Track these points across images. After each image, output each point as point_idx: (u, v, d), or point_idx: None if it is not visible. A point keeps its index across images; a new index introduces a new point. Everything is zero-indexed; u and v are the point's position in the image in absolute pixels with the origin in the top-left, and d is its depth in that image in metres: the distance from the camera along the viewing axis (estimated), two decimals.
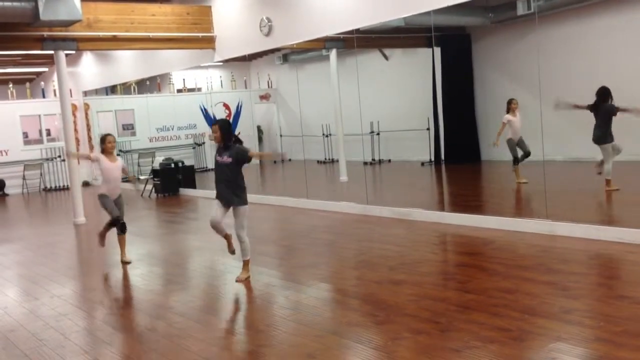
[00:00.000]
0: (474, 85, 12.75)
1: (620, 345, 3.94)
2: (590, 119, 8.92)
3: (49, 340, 4.97)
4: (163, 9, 12.26)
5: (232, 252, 6.56)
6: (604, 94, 8.72)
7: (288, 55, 15.37)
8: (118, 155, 8.11)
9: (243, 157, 6.23)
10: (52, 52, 11.27)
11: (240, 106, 17.09)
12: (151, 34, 11.99)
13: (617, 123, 8.79)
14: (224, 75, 18.13)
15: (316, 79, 14.53)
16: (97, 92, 19.02)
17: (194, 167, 15.73)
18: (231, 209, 6.27)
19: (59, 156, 17.66)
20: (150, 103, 18.13)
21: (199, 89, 18.20)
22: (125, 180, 8.48)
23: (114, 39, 11.82)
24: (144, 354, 4.55)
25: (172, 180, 14.43)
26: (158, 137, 18.22)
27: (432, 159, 13.35)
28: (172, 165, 14.53)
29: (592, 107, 8.79)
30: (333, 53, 12.43)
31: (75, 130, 17.21)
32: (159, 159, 14.94)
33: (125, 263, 7.50)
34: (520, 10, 9.38)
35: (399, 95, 14.60)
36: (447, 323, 4.56)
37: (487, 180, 12.37)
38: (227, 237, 6.52)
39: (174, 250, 8.39)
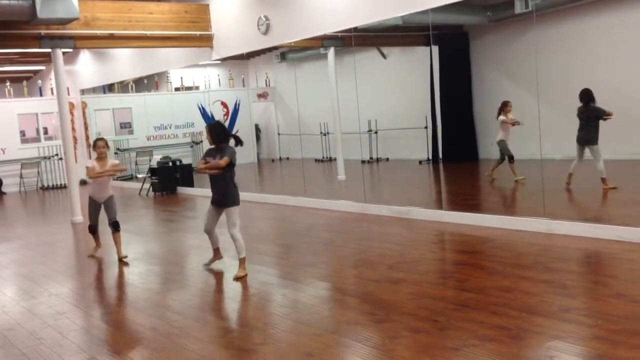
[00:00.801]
0: (472, 84, 12.75)
1: (618, 343, 3.94)
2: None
3: (47, 338, 4.96)
4: (161, 7, 12.24)
5: (208, 264, 6.92)
6: (589, 95, 8.81)
7: (286, 53, 15.35)
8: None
9: (223, 155, 6.32)
10: (49, 50, 11.24)
11: (238, 105, 17.05)
12: (149, 32, 11.97)
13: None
14: (222, 74, 18.10)
15: (314, 78, 14.52)
16: (94, 90, 18.99)
17: (192, 165, 15.70)
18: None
19: (56, 154, 17.63)
20: (148, 101, 18.09)
21: (197, 88, 18.16)
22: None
23: (112, 37, 11.80)
24: (142, 353, 4.54)
25: (169, 178, 14.41)
26: (156, 136, 18.19)
27: (430, 157, 13.35)
28: (170, 164, 14.51)
29: (578, 110, 8.88)
30: (331, 51, 12.41)
31: (73, 128, 17.18)
32: (157, 157, 14.92)
33: (122, 259, 7.52)
34: (518, 8, 9.36)
35: (397, 94, 14.60)
36: (446, 322, 4.56)
37: (485, 179, 12.36)
38: (215, 251, 6.86)
39: (171, 249, 8.39)
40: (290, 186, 12.49)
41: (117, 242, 7.65)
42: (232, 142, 6.59)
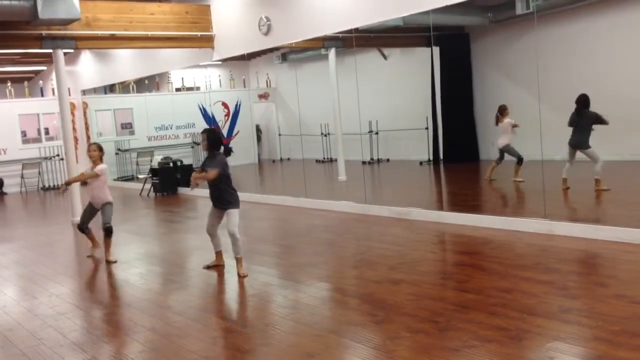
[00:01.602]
0: (473, 85, 12.75)
1: (618, 344, 3.95)
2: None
3: (48, 339, 4.97)
4: (162, 8, 12.25)
5: (208, 266, 6.92)
6: (586, 101, 8.86)
7: (287, 54, 15.37)
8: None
9: (210, 165, 6.44)
10: (50, 50, 11.25)
11: (239, 105, 17.06)
12: (150, 33, 11.98)
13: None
14: (223, 75, 18.12)
15: (315, 78, 14.52)
16: (95, 91, 19.00)
17: (193, 166, 15.71)
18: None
19: (57, 155, 17.64)
20: (149, 102, 18.12)
21: (198, 88, 18.17)
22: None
23: (113, 37, 11.81)
24: (142, 353, 4.54)
25: (170, 179, 14.43)
26: (157, 136, 18.21)
27: (431, 158, 13.36)
28: (171, 165, 14.52)
29: (574, 114, 8.90)
30: (332, 52, 12.42)
31: (74, 129, 17.15)
32: (158, 158, 14.93)
33: (109, 262, 7.56)
34: (519, 9, 9.37)
35: (398, 95, 14.60)
36: (446, 322, 4.56)
37: (486, 180, 12.37)
38: (217, 255, 6.90)
39: (172, 250, 8.39)
40: (291, 187, 12.49)
41: (107, 246, 7.72)
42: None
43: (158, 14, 12.08)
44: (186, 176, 14.60)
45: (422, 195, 10.99)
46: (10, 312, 5.84)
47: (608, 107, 8.99)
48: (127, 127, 18.63)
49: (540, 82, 8.00)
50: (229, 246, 6.60)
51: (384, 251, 7.14)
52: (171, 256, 7.95)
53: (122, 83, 17.91)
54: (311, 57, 14.72)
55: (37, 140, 18.12)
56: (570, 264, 6.00)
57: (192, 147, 18.08)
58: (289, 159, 17.37)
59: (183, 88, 18.13)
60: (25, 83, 19.62)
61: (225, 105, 17.55)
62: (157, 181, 14.35)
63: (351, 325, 4.79)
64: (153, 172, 14.59)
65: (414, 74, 13.98)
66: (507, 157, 10.60)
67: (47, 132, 18.37)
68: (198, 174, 6.49)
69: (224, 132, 16.14)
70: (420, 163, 13.77)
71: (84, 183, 8.09)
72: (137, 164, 17.58)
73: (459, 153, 12.57)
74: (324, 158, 15.97)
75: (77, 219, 10.95)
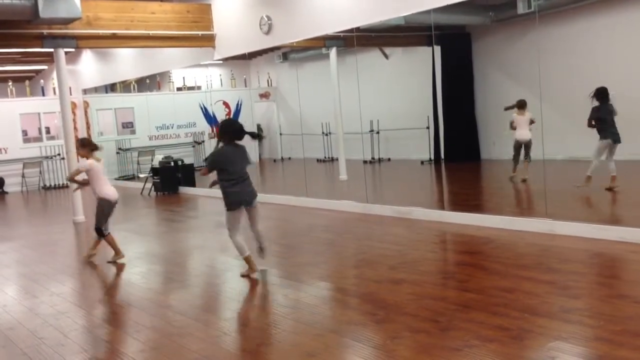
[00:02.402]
0: (474, 84, 12.75)
1: (620, 344, 3.94)
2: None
3: (48, 338, 4.97)
4: (163, 7, 12.25)
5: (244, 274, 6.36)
6: (607, 92, 8.79)
7: (288, 53, 15.36)
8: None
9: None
10: (51, 49, 11.25)
11: (240, 105, 17.07)
12: (151, 32, 11.97)
13: (620, 123, 8.81)
14: (224, 74, 18.13)
15: (316, 78, 14.52)
16: (96, 90, 19.01)
17: (194, 165, 15.72)
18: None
19: (58, 154, 17.65)
20: (150, 101, 18.12)
21: (199, 88, 18.18)
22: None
23: (114, 36, 11.80)
24: (143, 353, 4.54)
25: (171, 178, 14.42)
26: (158, 136, 18.21)
27: (432, 157, 13.35)
28: (172, 164, 14.52)
29: (598, 109, 8.81)
30: (333, 51, 12.42)
31: (75, 128, 17.15)
32: (159, 157, 14.93)
33: (90, 257, 7.59)
34: (521, 9, 9.36)
35: (399, 94, 14.59)
36: (447, 322, 4.55)
37: (487, 179, 12.37)
38: (245, 260, 6.35)
39: (173, 249, 8.38)
40: (292, 186, 12.49)
41: (94, 244, 7.68)
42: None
43: (159, 13, 12.08)
44: (187, 175, 14.64)
45: (424, 195, 10.98)
46: (11, 311, 5.83)
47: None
48: (128, 126, 18.63)
49: (541, 82, 7.99)
50: (231, 244, 6.58)
51: (384, 251, 7.13)
52: (172, 255, 7.95)
53: (123, 82, 17.92)
54: (312, 57, 14.71)
55: (38, 139, 18.12)
56: (572, 264, 5.99)
57: (193, 147, 18.08)
58: (290, 158, 17.37)
59: (184, 87, 18.14)
60: (27, 82, 19.63)
61: (226, 104, 17.56)
62: (158, 180, 14.35)
63: (352, 324, 4.79)
64: (154, 171, 14.58)
65: (415, 74, 13.97)
66: (507, 156, 10.54)
67: (48, 132, 18.37)
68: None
69: None
70: (422, 162, 13.75)
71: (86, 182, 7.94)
72: (138, 163, 17.58)
73: (460, 152, 12.56)
74: (325, 157, 15.97)
75: (79, 217, 11.01)
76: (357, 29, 10.11)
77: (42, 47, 11.12)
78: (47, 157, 17.77)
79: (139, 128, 18.32)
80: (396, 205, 9.21)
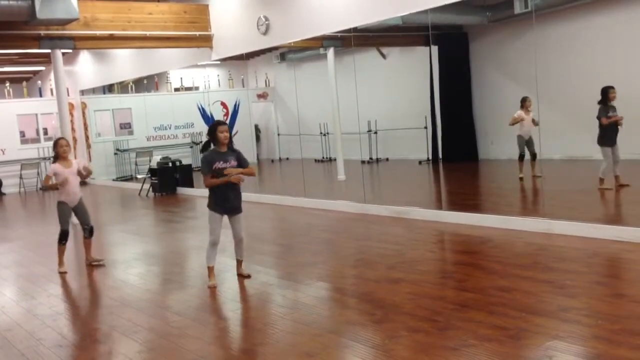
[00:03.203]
0: (472, 84, 12.75)
1: (618, 343, 3.94)
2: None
3: (46, 339, 4.96)
4: (160, 8, 12.25)
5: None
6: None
7: (285, 54, 15.36)
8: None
9: (246, 161, 6.18)
10: (49, 50, 11.25)
11: (238, 105, 17.03)
12: (148, 33, 11.97)
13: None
14: (222, 74, 18.12)
15: (314, 78, 14.52)
16: (94, 91, 19.00)
17: (192, 166, 15.72)
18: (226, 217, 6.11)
19: None
20: (148, 102, 18.11)
21: (197, 88, 18.18)
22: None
23: (111, 37, 11.80)
24: (141, 353, 4.54)
25: (169, 179, 14.41)
26: (155, 136, 18.21)
27: (430, 157, 13.36)
28: (170, 164, 14.51)
29: (606, 108, 8.81)
30: (330, 52, 12.42)
31: (73, 129, 17.18)
32: (157, 158, 14.92)
33: (95, 264, 7.45)
34: (518, 8, 9.37)
35: (397, 94, 14.60)
36: (445, 321, 4.56)
37: (485, 179, 12.37)
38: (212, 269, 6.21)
39: (171, 249, 8.38)
40: (290, 186, 12.49)
41: (86, 247, 7.57)
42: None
43: (156, 14, 12.08)
44: (185, 176, 14.64)
45: (421, 195, 10.98)
46: (9, 313, 5.83)
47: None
48: (126, 127, 18.62)
49: (539, 81, 8.00)
50: (229, 245, 6.59)
51: (383, 250, 7.14)
52: (170, 256, 7.94)
53: (120, 83, 17.91)
54: (310, 57, 14.72)
55: (36, 140, 18.12)
56: (569, 263, 6.00)
57: (191, 147, 18.07)
58: (287, 158, 17.37)
59: (182, 88, 18.14)
60: (24, 83, 19.62)
61: (224, 105, 17.55)
62: (156, 181, 14.34)
63: (350, 324, 4.79)
64: (152, 172, 14.57)
65: (412, 73, 13.98)
66: (510, 155, 10.50)
67: (45, 133, 18.36)
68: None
69: None
70: (419, 162, 13.77)
71: (82, 183, 7.86)
72: (136, 164, 17.57)
73: (458, 152, 12.57)
74: (323, 157, 15.97)
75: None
76: (355, 29, 10.12)
77: (39, 48, 11.12)
78: (44, 158, 17.75)
79: (136, 129, 18.31)
80: (394, 205, 9.22)
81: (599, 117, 8.73)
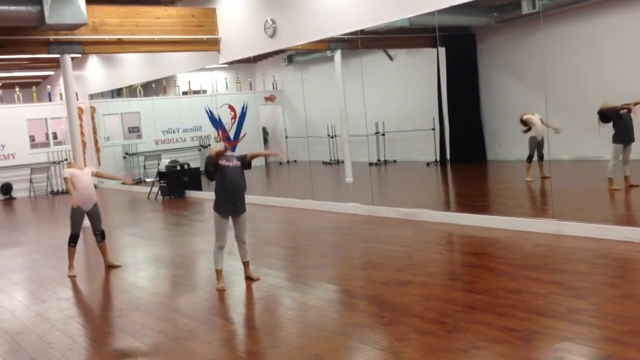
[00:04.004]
0: (479, 85, 12.73)
1: (627, 344, 3.93)
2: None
3: (57, 343, 4.99)
4: (168, 12, 12.29)
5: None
6: None
7: (293, 56, 15.39)
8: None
9: (246, 160, 6.25)
10: (58, 55, 11.31)
11: (246, 108, 17.07)
12: (156, 37, 12.02)
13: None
14: (229, 77, 18.17)
15: (321, 80, 14.54)
16: (103, 95, 19.09)
17: (200, 169, 15.76)
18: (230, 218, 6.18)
19: (66, 159, 17.73)
20: (156, 105, 18.18)
21: (204, 91, 18.24)
22: (136, 182, 8.44)
23: (120, 42, 11.85)
24: (150, 356, 4.56)
25: (178, 182, 14.46)
26: (164, 140, 18.27)
27: (438, 159, 13.34)
28: (178, 168, 14.56)
29: (614, 108, 8.79)
30: (338, 54, 12.43)
31: (82, 133, 17.26)
32: (165, 161, 14.98)
33: (113, 267, 7.52)
34: (525, 9, 9.36)
35: (404, 96, 14.59)
36: (454, 323, 4.55)
37: (493, 180, 12.34)
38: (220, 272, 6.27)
39: (180, 253, 8.41)
40: (298, 189, 12.50)
41: (103, 252, 7.66)
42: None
43: (164, 18, 12.12)
44: (193, 179, 14.68)
45: (430, 196, 10.97)
46: (20, 316, 5.87)
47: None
48: (135, 130, 18.70)
49: (547, 82, 7.98)
50: (235, 248, 6.60)
51: (391, 252, 7.13)
52: (179, 259, 7.97)
53: (129, 87, 17.99)
54: (317, 59, 14.74)
55: (46, 144, 18.21)
56: (578, 264, 5.98)
57: (199, 150, 18.12)
58: (295, 161, 17.38)
59: (190, 91, 18.20)
60: (33, 88, 19.75)
61: (231, 108, 17.58)
62: (165, 184, 14.39)
63: (358, 327, 4.79)
64: (160, 175, 14.63)
65: (420, 75, 13.97)
66: (519, 157, 10.46)
67: (55, 137, 18.46)
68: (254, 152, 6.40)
69: (231, 134, 16.17)
70: (427, 164, 13.75)
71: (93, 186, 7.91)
72: (145, 168, 17.64)
73: (466, 154, 12.54)
74: (330, 160, 15.97)
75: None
76: (362, 31, 10.12)
77: (48, 53, 11.18)
78: (54, 163, 17.85)
79: (145, 132, 18.38)
80: (402, 207, 9.21)
81: (612, 113, 8.67)
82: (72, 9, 9.85)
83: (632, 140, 8.70)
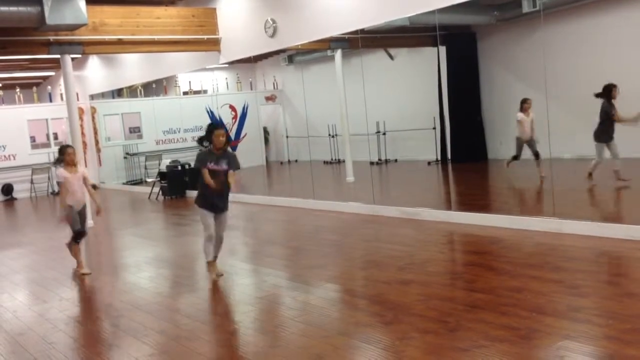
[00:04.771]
0: (480, 84, 12.72)
1: (628, 342, 3.92)
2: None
3: (58, 343, 5.00)
4: (168, 12, 12.29)
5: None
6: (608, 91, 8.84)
7: (293, 56, 15.39)
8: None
9: (238, 164, 6.34)
10: (58, 56, 11.31)
11: (246, 108, 17.11)
12: (157, 37, 12.01)
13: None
14: (230, 77, 18.17)
15: (321, 80, 14.53)
16: (103, 95, 19.10)
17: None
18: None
19: None
20: (157, 106, 18.19)
21: (205, 91, 18.24)
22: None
23: (120, 42, 11.85)
24: (152, 357, 4.56)
25: (179, 182, 14.46)
26: (165, 140, 18.28)
27: (439, 158, 13.33)
28: (179, 168, 14.56)
29: (610, 104, 8.84)
30: (338, 53, 12.43)
31: (83, 134, 17.26)
32: (166, 161, 14.98)
33: (83, 275, 7.37)
34: (526, 7, 9.35)
35: (405, 95, 14.59)
36: (455, 322, 4.55)
37: (494, 179, 12.33)
38: (214, 261, 6.54)
39: (181, 253, 8.41)
40: (299, 188, 12.51)
41: (79, 253, 7.60)
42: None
43: (164, 18, 12.12)
44: (194, 179, 14.68)
45: (431, 196, 10.97)
46: (21, 317, 5.87)
47: (616, 104, 8.94)
48: (135, 131, 18.71)
49: (547, 80, 7.97)
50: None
51: (392, 252, 7.13)
52: (180, 259, 7.97)
53: (129, 87, 17.99)
54: (317, 59, 14.73)
55: (46, 145, 18.21)
56: (580, 263, 5.97)
57: (200, 150, 18.09)
58: (296, 160, 17.39)
59: (190, 91, 18.20)
60: (34, 88, 19.76)
61: (232, 107, 17.60)
62: (166, 184, 14.40)
63: (360, 326, 4.79)
64: (161, 175, 14.63)
65: (420, 74, 13.96)
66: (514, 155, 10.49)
67: (56, 137, 18.46)
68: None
69: (232, 134, 16.18)
70: (428, 163, 13.74)
71: (93, 187, 7.91)
72: (146, 168, 17.64)
73: (466, 152, 12.54)
74: (331, 159, 15.97)
75: (88, 222, 11.02)
76: (362, 31, 10.12)
77: (48, 53, 11.18)
78: (55, 163, 17.83)
79: (146, 132, 18.38)
80: (404, 206, 9.21)
81: (607, 112, 8.69)
82: (72, 9, 9.85)
83: (612, 139, 8.86)
